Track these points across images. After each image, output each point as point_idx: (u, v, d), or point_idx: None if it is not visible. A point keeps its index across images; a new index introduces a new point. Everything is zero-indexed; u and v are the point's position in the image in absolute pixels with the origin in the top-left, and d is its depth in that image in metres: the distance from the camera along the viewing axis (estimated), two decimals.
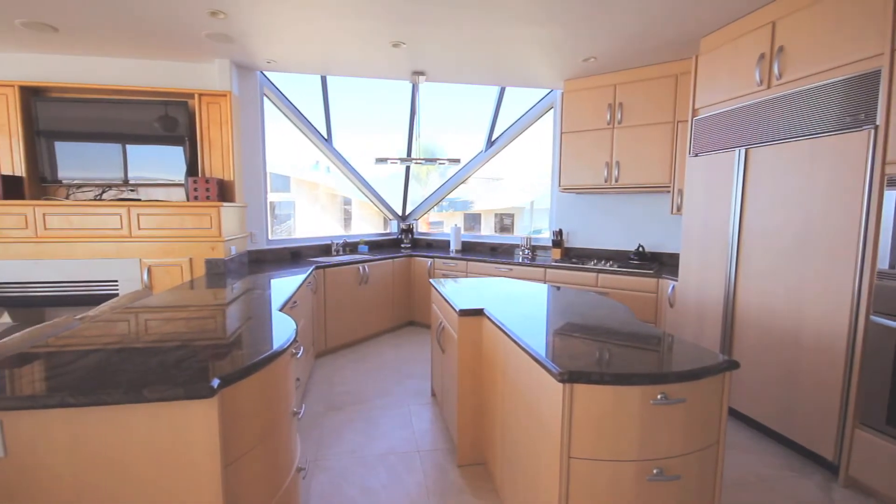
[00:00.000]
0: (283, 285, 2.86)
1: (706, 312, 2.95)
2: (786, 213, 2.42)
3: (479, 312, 2.22)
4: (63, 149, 3.44)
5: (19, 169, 3.38)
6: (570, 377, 1.38)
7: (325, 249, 4.74)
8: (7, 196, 3.21)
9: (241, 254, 3.81)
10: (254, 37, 3.16)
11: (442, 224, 6.57)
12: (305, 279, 3.21)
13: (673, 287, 3.28)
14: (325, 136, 4.89)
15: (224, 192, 3.64)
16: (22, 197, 3.34)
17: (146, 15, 2.80)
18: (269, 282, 3.00)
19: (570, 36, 3.10)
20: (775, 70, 2.46)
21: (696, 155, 3.03)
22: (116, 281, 3.36)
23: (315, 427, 2.71)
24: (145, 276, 3.35)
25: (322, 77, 4.46)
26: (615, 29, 2.97)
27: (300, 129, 4.68)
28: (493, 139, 5.10)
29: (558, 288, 2.87)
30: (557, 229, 4.51)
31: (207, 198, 3.44)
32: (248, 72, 3.92)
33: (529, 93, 4.74)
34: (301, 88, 4.59)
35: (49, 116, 3.39)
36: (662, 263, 3.97)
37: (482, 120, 5.09)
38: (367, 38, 3.19)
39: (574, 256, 4.41)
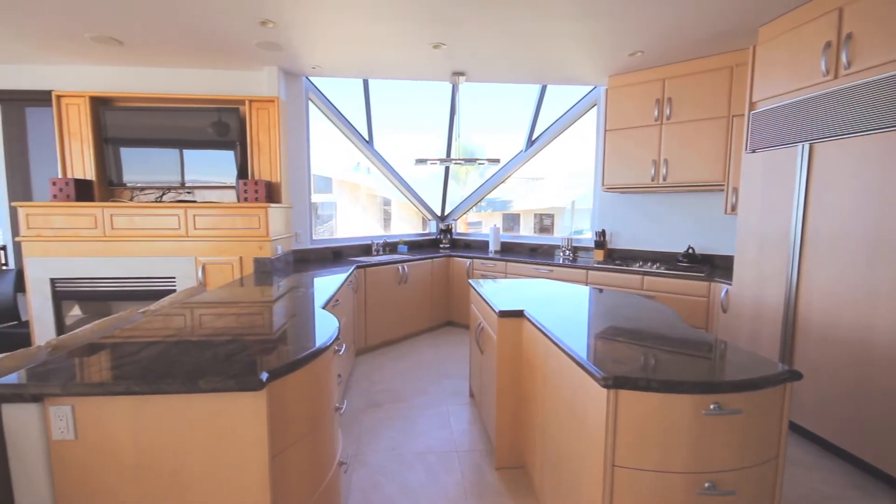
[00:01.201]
0: (326, 284, 2.94)
1: (763, 319, 2.77)
2: (855, 213, 2.23)
3: (519, 314, 2.19)
4: (128, 154, 3.70)
5: (90, 173, 3.68)
6: (615, 383, 1.33)
7: (366, 249, 4.84)
8: (79, 198, 3.50)
9: (287, 253, 3.95)
10: (300, 44, 3.28)
11: (480, 224, 6.54)
12: (347, 278, 3.28)
13: (726, 291, 3.11)
14: (367, 138, 4.99)
15: (271, 193, 3.79)
16: (92, 199, 3.62)
17: (203, 27, 2.96)
18: (313, 280, 3.09)
19: (615, 30, 3.01)
20: (843, 59, 2.28)
21: (754, 151, 2.85)
22: (174, 277, 3.57)
23: (355, 423, 2.77)
24: (200, 274, 3.54)
25: (364, 80, 4.55)
26: (665, 21, 2.85)
27: (342, 132, 4.80)
28: (533, 138, 5.02)
29: (601, 290, 2.79)
30: (600, 230, 4.38)
31: (256, 199, 3.59)
32: (295, 78, 4.06)
33: (571, 90, 4.64)
34: (343, 91, 4.71)
35: (115, 124, 3.66)
36: (714, 266, 3.77)
37: (522, 119, 5.03)
38: (407, 40, 3.22)
39: (618, 258, 4.27)
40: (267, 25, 2.93)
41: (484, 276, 4.61)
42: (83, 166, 3.67)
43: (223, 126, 3.72)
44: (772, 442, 1.38)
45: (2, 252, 4.05)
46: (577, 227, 5.70)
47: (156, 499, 1.26)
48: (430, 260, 4.65)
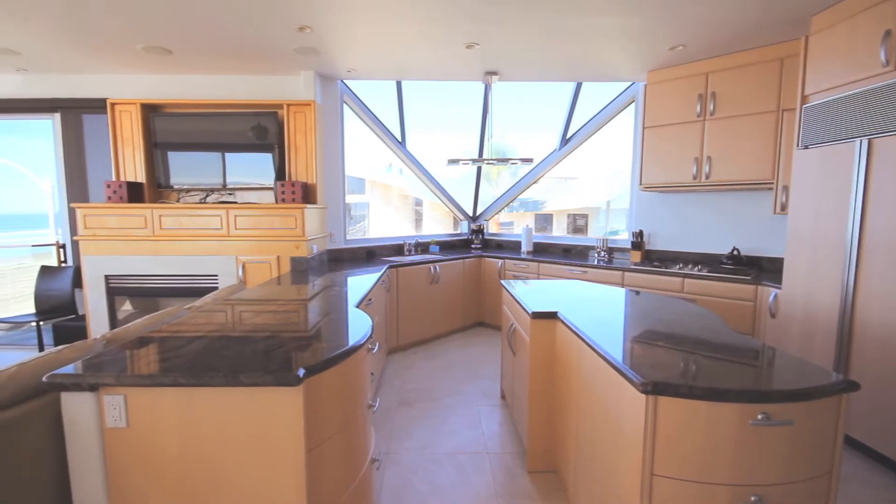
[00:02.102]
0: (359, 283, 2.99)
1: (816, 325, 2.61)
2: None
3: (552, 315, 2.15)
4: (174, 158, 3.90)
5: (140, 176, 3.89)
6: (655, 389, 1.28)
7: (398, 249, 4.89)
8: (131, 200, 3.71)
9: (322, 252, 4.04)
10: (336, 48, 3.35)
11: (512, 225, 6.48)
12: (380, 278, 3.33)
13: (775, 295, 2.94)
14: (399, 139, 5.04)
15: (307, 194, 3.89)
16: (142, 200, 3.83)
17: (245, 35, 3.08)
18: (346, 279, 3.15)
19: (655, 24, 2.91)
20: None
21: (806, 147, 2.69)
22: (216, 275, 3.72)
23: (387, 421, 2.80)
24: (240, 272, 3.68)
25: (397, 82, 4.60)
26: (709, 12, 2.73)
27: (375, 133, 4.87)
28: (567, 137, 4.93)
29: (638, 293, 2.70)
30: (637, 230, 4.25)
31: (293, 200, 3.70)
32: (330, 81, 4.15)
33: (607, 87, 4.52)
34: (376, 93, 4.77)
35: (163, 130, 3.86)
36: (762, 269, 3.58)
37: (556, 118, 4.95)
38: (441, 41, 3.23)
39: (656, 259, 4.13)
40: (304, 31, 3.01)
41: (516, 277, 4.56)
42: (134, 169, 3.89)
43: (262, 129, 3.85)
44: (825, 456, 1.29)
45: (62, 250, 4.35)
46: (613, 227, 5.55)
47: (199, 486, 1.32)
48: (461, 260, 4.65)
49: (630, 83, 4.33)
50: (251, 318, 2.01)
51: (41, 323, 3.79)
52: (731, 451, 1.25)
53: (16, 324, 3.79)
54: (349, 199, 4.67)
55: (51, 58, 3.54)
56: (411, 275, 4.16)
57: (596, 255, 4.48)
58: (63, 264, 4.30)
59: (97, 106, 3.92)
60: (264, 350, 1.50)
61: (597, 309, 2.21)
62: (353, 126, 4.62)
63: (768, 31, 2.98)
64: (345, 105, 4.39)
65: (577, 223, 6.16)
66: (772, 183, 3.23)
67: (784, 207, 3.11)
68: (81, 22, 2.87)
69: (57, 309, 3.95)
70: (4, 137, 4.69)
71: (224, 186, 3.93)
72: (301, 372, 1.29)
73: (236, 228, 3.64)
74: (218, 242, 3.66)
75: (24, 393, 1.28)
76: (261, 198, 4.03)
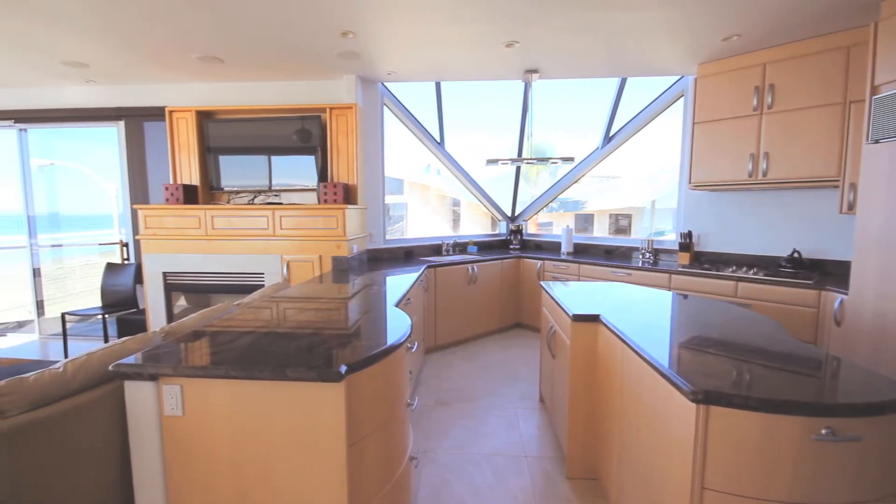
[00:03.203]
0: (398, 282, 3.02)
1: (888, 335, 2.39)
2: None
3: (594, 318, 2.09)
4: (225, 161, 4.10)
5: (195, 179, 4.12)
6: (706, 398, 1.22)
7: (436, 249, 4.91)
8: (186, 201, 3.93)
9: (361, 252, 4.12)
10: (377, 51, 3.41)
11: (551, 225, 6.36)
12: (418, 277, 3.35)
13: (840, 301, 2.73)
14: (438, 140, 5.07)
15: (348, 195, 3.99)
16: (196, 202, 4.05)
17: (291, 42, 3.19)
18: (385, 279, 3.20)
19: (708, 14, 2.77)
20: None
21: (877, 141, 2.47)
22: (263, 273, 3.88)
23: (424, 420, 2.82)
24: (285, 270, 3.81)
25: (436, 83, 4.63)
26: (768, 0, 2.57)
27: (414, 134, 4.92)
28: (610, 135, 4.79)
29: (685, 296, 2.58)
30: (686, 231, 4.06)
31: (335, 201, 3.80)
32: (371, 84, 4.24)
33: (653, 82, 4.35)
34: (416, 94, 4.82)
35: (216, 135, 4.06)
36: (825, 273, 3.33)
37: (598, 116, 4.82)
38: (480, 41, 3.22)
39: (706, 262, 3.93)
40: (347, 36, 3.08)
41: (555, 279, 4.48)
42: (189, 173, 4.13)
43: (306, 132, 3.98)
44: (895, 475, 1.18)
45: (125, 248, 4.67)
46: (658, 227, 5.33)
47: (249, 474, 1.37)
48: (499, 261, 4.61)
49: (679, 77, 4.14)
50: (295, 315, 2.08)
51: (106, 316, 4.08)
52: (791, 468, 1.16)
53: (84, 316, 4.11)
54: (388, 199, 4.74)
55: (116, 69, 3.81)
56: (449, 275, 4.17)
57: (640, 256, 4.32)
58: (126, 262, 4.62)
59: (157, 114, 4.18)
60: (308, 346, 1.54)
61: (642, 312, 2.13)
62: (393, 127, 4.69)
63: (832, 17, 2.77)
64: (384, 107, 4.47)
65: (620, 223, 5.96)
66: (837, 180, 2.99)
67: (851, 207, 2.88)
68: (143, 36, 3.08)
69: (120, 303, 4.24)
70: (76, 144, 5.09)
71: (270, 188, 4.09)
72: (343, 369, 1.32)
73: (281, 228, 3.78)
74: (264, 242, 3.82)
75: (92, 380, 1.38)
76: (304, 199, 4.17)
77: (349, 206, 3.72)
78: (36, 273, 4.82)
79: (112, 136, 4.49)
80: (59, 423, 1.28)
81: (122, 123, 4.37)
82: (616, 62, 3.69)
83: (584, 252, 4.87)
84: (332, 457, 1.34)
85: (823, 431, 1.14)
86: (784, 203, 3.57)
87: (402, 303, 2.46)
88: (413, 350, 2.05)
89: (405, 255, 4.63)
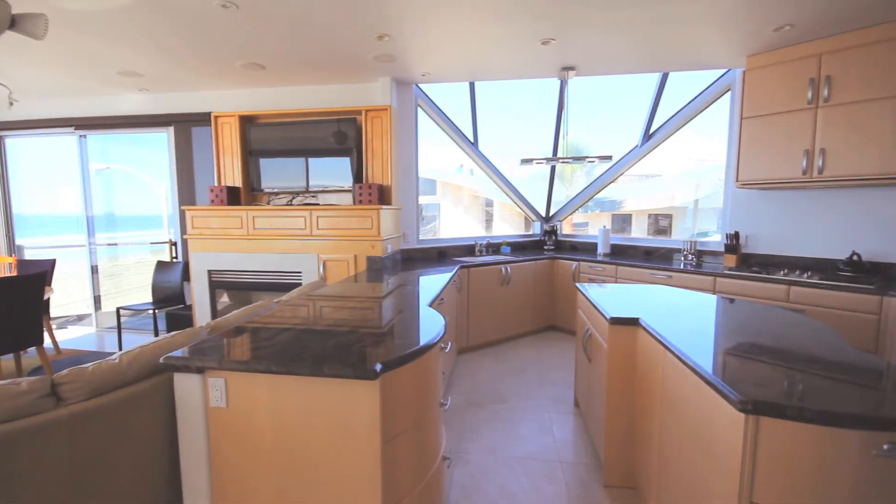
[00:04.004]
0: (431, 282, 3.03)
1: None
2: None
3: (633, 322, 2.02)
4: (265, 164, 4.25)
5: (238, 181, 4.29)
6: (756, 408, 1.15)
7: (469, 250, 4.90)
8: (230, 202, 4.10)
9: (395, 252, 4.17)
10: (412, 53, 3.44)
11: (587, 226, 6.22)
12: (451, 278, 3.35)
13: None
14: (472, 140, 5.05)
15: (383, 195, 4.04)
16: (239, 203, 4.22)
17: (328, 47, 3.27)
18: (418, 278, 3.22)
19: (758, 3, 2.62)
20: None
21: None
22: (300, 272, 3.99)
23: (456, 420, 2.81)
24: (321, 269, 3.91)
25: (470, 83, 4.62)
26: None
27: (448, 135, 4.92)
28: (650, 132, 4.63)
29: (732, 300, 2.46)
30: (732, 232, 3.86)
31: (370, 201, 3.86)
32: (405, 86, 4.28)
33: (697, 77, 4.17)
34: (450, 94, 4.83)
35: (257, 138, 4.22)
36: (889, 277, 3.09)
37: (636, 113, 4.67)
38: (515, 40, 3.19)
39: (755, 264, 3.73)
40: (383, 39, 3.13)
41: (591, 281, 4.37)
42: (233, 175, 4.30)
43: (342, 135, 4.06)
44: None
45: (173, 247, 4.92)
46: (701, 228, 5.11)
47: (288, 466, 1.41)
48: (533, 262, 4.55)
49: (725, 70, 3.96)
50: (331, 313, 2.12)
51: (156, 310, 4.31)
52: (849, 484, 1.08)
53: (137, 311, 4.36)
54: (421, 199, 4.78)
55: (166, 78, 4.03)
56: (482, 275, 4.15)
57: (682, 258, 4.15)
58: (174, 260, 4.87)
59: (203, 119, 4.39)
60: (344, 344, 1.57)
61: (684, 317, 2.04)
62: (426, 128, 4.72)
63: (895, 4, 2.57)
64: (418, 108, 4.50)
65: (660, 224, 5.75)
66: None
67: None
68: (193, 46, 3.24)
69: (169, 299, 4.47)
70: (129, 149, 5.42)
71: (307, 189, 4.21)
72: (378, 367, 1.33)
73: (318, 228, 3.88)
74: (302, 241, 3.92)
75: (145, 371, 1.46)
76: (340, 199, 4.26)
77: (383, 207, 3.77)
78: (94, 270, 5.16)
79: (162, 141, 4.75)
80: (115, 411, 1.36)
81: (171, 129, 4.61)
82: (658, 57, 3.56)
83: (621, 253, 4.73)
84: (366, 453, 1.36)
85: (885, 447, 1.05)
86: (842, 202, 3.34)
87: (436, 303, 2.47)
88: (447, 350, 2.05)
89: (438, 256, 4.65)
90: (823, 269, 3.37)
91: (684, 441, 1.54)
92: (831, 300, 2.89)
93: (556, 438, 2.61)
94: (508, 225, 6.60)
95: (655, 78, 4.31)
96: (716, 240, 4.19)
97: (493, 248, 5.03)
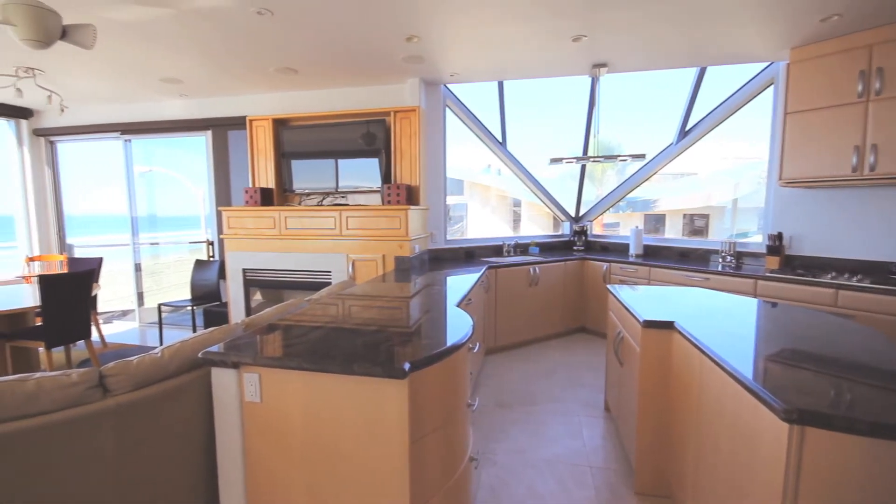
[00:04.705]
0: (459, 282, 3.03)
1: None
2: None
3: (668, 325, 1.96)
4: (297, 165, 4.35)
5: (271, 182, 4.41)
6: (801, 417, 1.09)
7: (497, 250, 4.87)
8: (263, 203, 4.22)
9: (423, 252, 4.19)
10: (440, 54, 3.45)
11: (618, 226, 6.08)
12: (479, 278, 3.34)
13: None
14: (500, 140, 5.02)
15: (411, 196, 4.07)
16: (272, 204, 4.34)
17: (359, 50, 3.32)
18: (446, 279, 3.22)
19: None
20: None
21: None
22: (330, 271, 4.07)
23: (484, 421, 2.80)
24: (350, 269, 3.97)
25: (499, 82, 4.59)
26: None
27: (476, 135, 4.91)
28: (686, 129, 4.48)
29: (774, 304, 2.35)
30: (775, 232, 3.68)
31: (398, 202, 3.89)
32: (434, 86, 4.29)
33: (736, 71, 4.00)
34: (477, 95, 4.81)
35: (289, 140, 4.33)
36: None
37: (670, 110, 4.52)
38: (545, 38, 3.15)
39: (800, 266, 3.54)
40: (412, 40, 3.15)
41: (623, 282, 4.26)
42: (266, 177, 4.43)
43: (371, 136, 4.12)
44: None
45: (210, 247, 5.11)
46: (740, 228, 4.90)
47: (319, 461, 1.44)
48: (563, 262, 4.48)
49: (767, 63, 3.78)
50: (360, 312, 2.15)
51: (194, 307, 4.49)
52: None
53: (176, 307, 4.55)
54: (448, 200, 4.78)
55: (205, 84, 4.19)
56: (510, 276, 4.12)
57: (720, 259, 4.00)
58: (211, 258, 5.06)
59: (239, 123, 4.54)
60: (373, 343, 1.59)
61: (722, 321, 1.96)
62: (453, 128, 4.72)
63: None
64: (446, 108, 4.50)
65: (696, 224, 5.55)
66: None
67: None
68: (230, 53, 3.35)
69: (206, 296, 4.65)
70: (170, 152, 5.67)
71: (337, 190, 4.29)
72: (407, 366, 1.34)
73: (347, 228, 3.94)
74: (332, 241, 4.00)
75: (185, 365, 1.52)
76: (369, 200, 4.32)
77: (411, 207, 3.79)
78: (137, 268, 5.42)
79: (201, 144, 4.94)
80: (157, 403, 1.42)
81: (209, 133, 4.79)
82: (696, 51, 3.44)
83: (654, 254, 4.60)
84: (395, 451, 1.37)
85: None
86: (894, 201, 3.14)
87: (464, 303, 2.46)
88: (475, 350, 2.05)
89: (466, 256, 4.64)
90: (874, 272, 3.17)
91: (722, 450, 1.48)
92: (883, 305, 2.71)
93: (585, 442, 2.56)
94: (536, 225, 6.52)
95: (692, 73, 4.16)
96: (757, 241, 4.01)
97: (522, 248, 4.98)
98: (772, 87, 3.82)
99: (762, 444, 1.23)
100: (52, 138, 5.27)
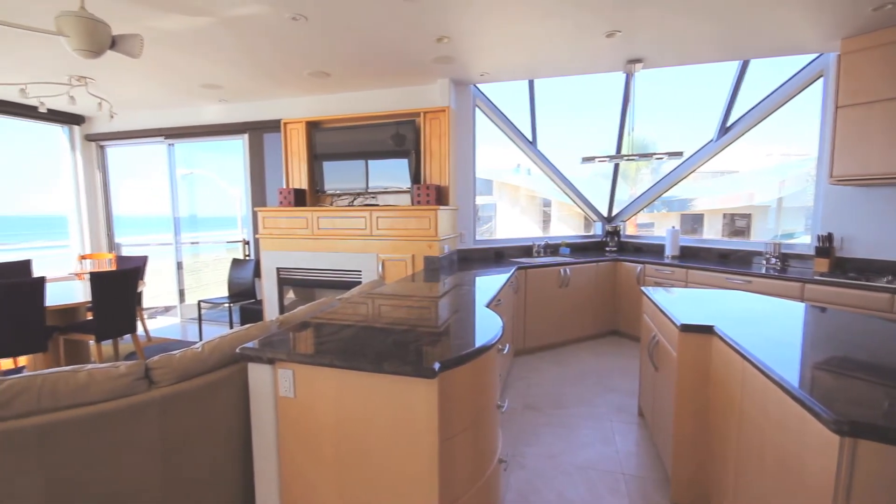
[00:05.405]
0: (488, 283, 3.01)
1: None
2: None
3: (706, 330, 1.88)
4: (328, 167, 4.44)
5: (303, 183, 4.52)
6: (853, 429, 1.03)
7: (526, 250, 4.82)
8: (296, 204, 4.33)
9: (452, 252, 4.19)
10: (470, 53, 3.44)
11: (652, 226, 5.90)
12: (509, 278, 3.31)
13: None
14: (530, 139, 4.97)
15: (440, 196, 4.08)
16: (304, 204, 4.44)
17: (390, 52, 3.36)
18: (475, 279, 3.21)
19: None
20: None
21: None
22: (360, 271, 4.13)
23: (513, 423, 2.77)
24: (380, 268, 4.02)
25: (529, 81, 4.54)
26: None
27: (506, 134, 4.87)
28: (727, 125, 4.29)
29: (823, 309, 2.22)
30: (825, 233, 3.48)
31: (427, 202, 3.91)
32: (463, 86, 4.29)
33: (781, 63, 3.80)
34: (507, 94, 4.77)
35: (321, 142, 4.42)
36: None
37: (710, 106, 4.35)
38: (578, 34, 3.09)
39: (852, 269, 3.34)
40: (442, 41, 3.16)
41: (658, 284, 4.13)
42: (300, 178, 4.55)
43: (400, 137, 4.15)
44: None
45: (246, 246, 5.28)
46: (786, 229, 4.66)
47: (350, 457, 1.46)
48: (594, 263, 4.38)
49: (816, 55, 3.58)
50: (390, 311, 2.17)
51: (231, 304, 4.65)
52: None
53: (214, 304, 4.73)
54: (477, 200, 4.76)
55: (242, 89, 4.34)
56: (540, 277, 4.06)
57: (764, 262, 3.81)
58: (247, 257, 5.23)
59: (274, 126, 4.68)
60: (403, 342, 1.60)
61: (766, 326, 1.87)
62: (483, 128, 4.70)
63: None
64: (476, 108, 4.49)
65: (737, 224, 5.31)
66: None
67: None
68: (266, 59, 3.46)
69: (242, 294, 4.81)
70: (209, 155, 5.90)
71: (367, 190, 4.35)
72: (437, 366, 1.34)
73: (377, 229, 3.99)
74: (362, 241, 4.06)
75: (223, 360, 1.58)
76: (398, 200, 4.36)
77: (441, 207, 3.80)
78: (179, 266, 5.67)
79: (238, 147, 5.11)
80: (198, 396, 1.48)
81: (246, 136, 4.96)
82: (738, 43, 3.29)
83: (691, 256, 4.44)
84: (424, 450, 1.38)
85: None
86: None
87: (493, 304, 2.45)
88: (505, 352, 2.03)
89: (495, 256, 4.62)
90: None
91: (767, 462, 1.41)
92: None
93: (618, 448, 2.49)
94: (566, 225, 6.42)
95: (732, 66, 3.99)
96: (804, 242, 3.81)
97: (552, 248, 4.91)
98: (820, 80, 3.62)
99: (810, 456, 1.16)
100: (102, 143, 5.59)
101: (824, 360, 1.50)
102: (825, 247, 3.44)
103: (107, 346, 3.90)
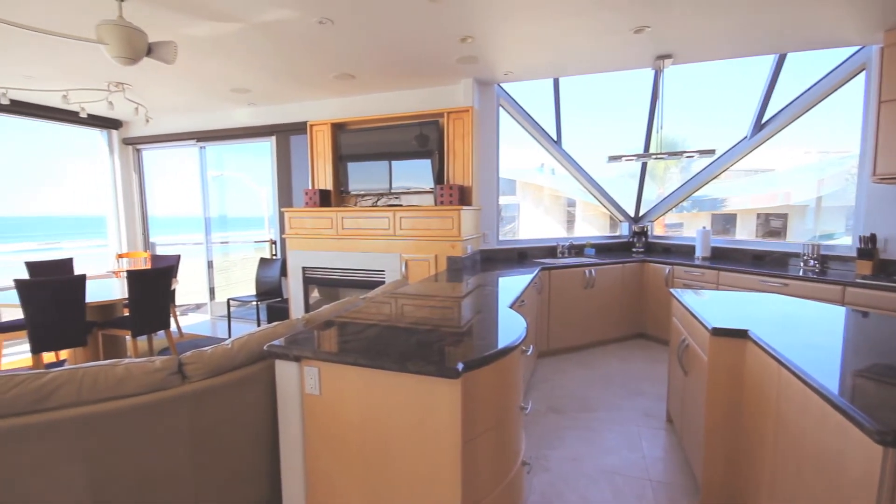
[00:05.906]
0: (512, 283, 2.99)
1: None
2: None
3: (741, 334, 1.82)
4: (353, 167, 4.50)
5: (329, 184, 4.60)
6: None
7: (550, 251, 4.76)
8: (322, 204, 4.40)
9: (475, 252, 4.18)
10: (494, 53, 3.43)
11: (681, 226, 5.73)
12: (532, 279, 3.28)
13: None
14: (555, 138, 4.91)
15: (463, 196, 4.07)
16: (329, 205, 4.52)
17: (414, 53, 3.38)
18: (498, 279, 3.19)
19: None
20: None
21: None
22: (384, 271, 4.17)
23: (536, 426, 2.74)
24: (403, 268, 4.05)
25: (554, 80, 4.49)
26: None
27: (530, 134, 4.83)
28: (762, 122, 4.14)
29: (865, 314, 2.11)
30: (867, 234, 3.31)
31: (450, 202, 3.91)
32: (487, 86, 4.27)
33: (819, 57, 3.63)
34: (532, 92, 4.73)
35: (346, 144, 4.49)
36: None
37: (743, 102, 4.20)
38: (604, 31, 3.03)
39: None
40: (466, 41, 3.15)
41: (688, 286, 4.01)
42: (325, 179, 4.62)
43: (424, 137, 4.17)
44: None
45: (273, 246, 5.41)
46: (825, 230, 4.45)
47: (374, 455, 1.48)
48: (621, 265, 4.29)
49: (857, 48, 3.41)
50: (413, 311, 2.18)
51: (259, 303, 4.77)
52: None
53: (243, 302, 4.86)
54: (500, 200, 4.74)
55: (270, 92, 4.44)
56: (564, 278, 4.01)
57: (801, 263, 3.66)
58: (274, 257, 5.35)
59: (300, 128, 4.77)
60: (427, 342, 1.60)
61: (804, 331, 1.79)
62: (506, 127, 4.67)
63: None
64: (500, 108, 4.47)
65: (772, 225, 5.10)
66: None
67: None
68: (293, 61, 3.53)
69: (269, 292, 4.92)
70: (239, 157, 6.06)
71: (390, 191, 4.38)
72: (460, 366, 1.34)
73: (401, 229, 4.02)
74: (386, 241, 4.09)
75: (252, 357, 1.62)
76: (421, 200, 4.37)
77: (464, 208, 3.80)
78: (209, 265, 5.85)
79: (265, 149, 5.24)
80: (227, 391, 1.52)
81: (273, 138, 5.08)
82: (773, 36, 3.17)
83: (723, 257, 4.29)
84: (447, 451, 1.38)
85: None
86: None
87: (517, 304, 2.43)
88: (529, 353, 2.01)
89: (518, 257, 4.58)
90: None
91: (805, 471, 1.35)
92: None
93: (645, 454, 2.43)
94: (591, 226, 6.31)
95: (768, 61, 3.84)
96: (845, 243, 3.63)
97: (577, 249, 4.84)
98: (862, 74, 3.44)
99: (851, 467, 1.10)
100: (139, 146, 5.82)
101: (866, 367, 1.42)
102: (868, 248, 3.27)
103: (141, 341, 4.05)
